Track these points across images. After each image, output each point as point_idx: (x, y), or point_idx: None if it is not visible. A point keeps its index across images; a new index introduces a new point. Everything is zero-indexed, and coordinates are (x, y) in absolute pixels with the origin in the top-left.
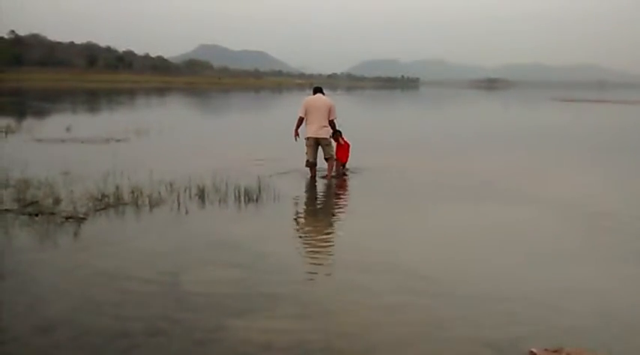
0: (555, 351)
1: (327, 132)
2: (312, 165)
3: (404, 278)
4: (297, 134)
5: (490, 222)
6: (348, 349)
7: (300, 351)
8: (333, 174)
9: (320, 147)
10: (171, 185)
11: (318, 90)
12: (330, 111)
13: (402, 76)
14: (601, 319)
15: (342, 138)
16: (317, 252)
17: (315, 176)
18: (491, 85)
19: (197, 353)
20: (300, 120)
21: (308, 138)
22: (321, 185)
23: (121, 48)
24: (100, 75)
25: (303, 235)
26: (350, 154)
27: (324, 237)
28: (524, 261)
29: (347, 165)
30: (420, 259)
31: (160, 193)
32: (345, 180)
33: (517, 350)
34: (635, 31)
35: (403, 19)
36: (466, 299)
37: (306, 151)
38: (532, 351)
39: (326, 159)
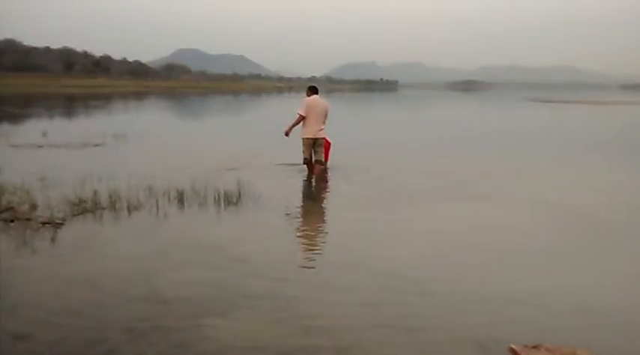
0: (534, 347)
1: (323, 134)
2: (309, 162)
3: (383, 277)
4: (289, 132)
5: (468, 221)
6: (326, 348)
7: (278, 351)
8: (312, 177)
9: (314, 147)
10: (149, 189)
11: (315, 90)
12: (326, 113)
13: (381, 79)
14: (580, 315)
15: (325, 138)
16: (296, 252)
17: (311, 172)
18: (468, 86)
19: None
20: (300, 120)
21: (307, 139)
22: (301, 186)
23: (98, 53)
24: (77, 80)
25: (282, 236)
26: (330, 154)
27: (304, 237)
28: (503, 259)
29: (328, 165)
30: (399, 258)
31: (138, 198)
32: (326, 181)
33: (496, 346)
34: (609, 34)
35: (381, 22)
36: (445, 297)
37: (302, 150)
38: (511, 347)
39: (315, 161)
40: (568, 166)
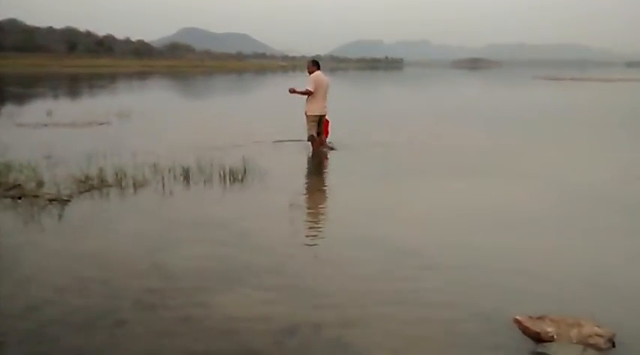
0: (539, 318)
1: (327, 110)
2: (314, 139)
3: (388, 252)
4: (294, 92)
5: (475, 197)
6: (332, 322)
7: (283, 324)
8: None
9: (318, 122)
10: (155, 166)
11: (318, 65)
12: (328, 89)
13: (386, 57)
14: (585, 288)
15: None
16: (302, 228)
17: (316, 149)
18: (474, 64)
19: (184, 328)
20: (308, 94)
21: (315, 116)
22: (305, 162)
23: (101, 32)
24: (80, 60)
25: (287, 213)
26: (330, 130)
27: (309, 213)
28: (510, 233)
29: (329, 141)
30: (405, 234)
31: (143, 175)
32: (330, 157)
33: (502, 317)
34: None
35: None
36: (451, 271)
37: (308, 127)
38: (516, 318)
39: (318, 134)
40: (575, 142)
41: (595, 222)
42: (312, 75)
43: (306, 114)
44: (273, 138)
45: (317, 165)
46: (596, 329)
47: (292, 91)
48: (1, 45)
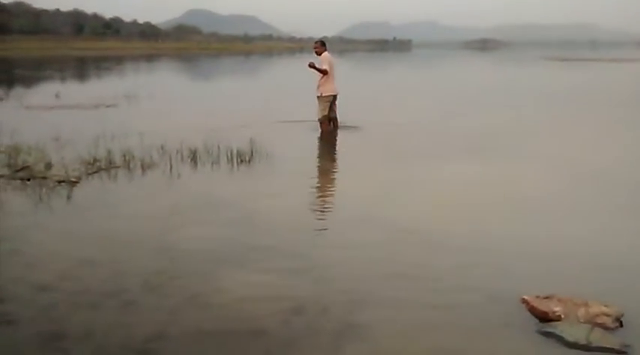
0: (546, 298)
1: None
2: (327, 119)
3: (395, 232)
4: (313, 66)
5: (485, 178)
6: (339, 299)
7: (291, 305)
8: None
9: (332, 103)
10: (162, 148)
11: (325, 45)
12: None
13: (394, 38)
14: (594, 269)
15: None
16: (309, 208)
17: (326, 130)
18: (483, 45)
19: (192, 307)
20: (324, 73)
21: (329, 96)
22: (314, 143)
23: (108, 14)
24: (87, 42)
25: (294, 193)
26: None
27: (316, 194)
28: (518, 214)
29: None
30: (413, 214)
31: (151, 156)
32: (339, 138)
33: (509, 297)
34: None
35: None
36: (458, 251)
37: (321, 108)
38: (524, 298)
39: (334, 118)
40: (587, 124)
41: (605, 203)
42: (324, 55)
43: (321, 95)
44: (281, 119)
45: (326, 147)
46: (604, 309)
47: (312, 66)
48: (8, 28)
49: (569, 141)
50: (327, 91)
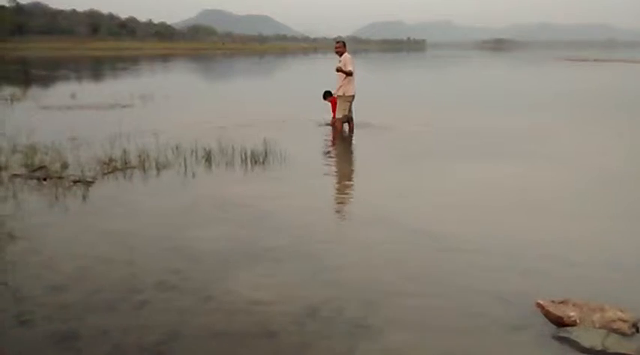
0: (562, 302)
1: None
2: (346, 120)
3: (408, 233)
4: (340, 70)
5: (498, 180)
6: (351, 301)
7: (304, 305)
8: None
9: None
10: (177, 148)
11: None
12: None
13: (408, 38)
14: (609, 272)
15: (333, 98)
16: (323, 209)
17: (340, 130)
18: (498, 46)
19: (207, 308)
20: (349, 74)
21: (351, 96)
22: (328, 144)
23: (124, 15)
24: (103, 42)
25: (308, 194)
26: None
27: (330, 194)
28: (532, 217)
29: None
30: (426, 216)
31: (166, 157)
32: (355, 138)
33: (524, 301)
34: None
35: None
36: (471, 254)
37: (343, 108)
38: (539, 303)
39: (351, 118)
40: (605, 127)
41: (623, 206)
42: (346, 55)
43: (343, 95)
44: (295, 119)
45: (340, 147)
46: (620, 314)
47: (339, 70)
48: (25, 28)
49: (587, 144)
50: (349, 91)
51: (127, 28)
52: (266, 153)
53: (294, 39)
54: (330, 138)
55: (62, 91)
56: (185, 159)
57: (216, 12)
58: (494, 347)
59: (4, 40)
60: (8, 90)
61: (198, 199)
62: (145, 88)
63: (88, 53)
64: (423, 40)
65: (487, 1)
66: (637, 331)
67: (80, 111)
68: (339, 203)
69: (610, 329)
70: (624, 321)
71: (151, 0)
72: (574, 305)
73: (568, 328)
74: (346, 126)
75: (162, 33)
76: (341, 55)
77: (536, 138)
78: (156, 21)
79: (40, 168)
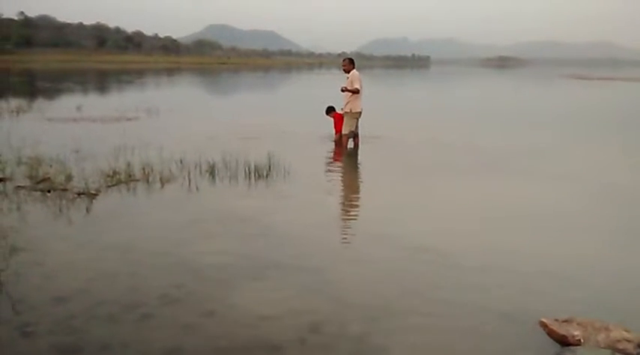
0: (565, 321)
1: None
2: (352, 136)
3: (412, 250)
4: (345, 90)
5: (502, 196)
6: (355, 317)
7: (307, 320)
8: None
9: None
10: (181, 162)
11: (354, 63)
12: None
13: (413, 55)
14: (613, 291)
15: (336, 113)
16: (326, 224)
17: (346, 145)
18: (502, 63)
19: (209, 322)
20: (356, 92)
21: (357, 113)
22: (332, 158)
23: (130, 28)
24: (109, 56)
25: (312, 209)
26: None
27: (334, 209)
28: (536, 234)
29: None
30: (430, 232)
31: (170, 170)
32: (360, 153)
33: (527, 319)
34: None
35: None
36: (476, 271)
37: (350, 124)
38: (542, 321)
39: (356, 134)
40: (609, 144)
41: (627, 223)
42: (353, 73)
43: (350, 111)
44: (300, 133)
45: (345, 162)
46: (625, 334)
47: (345, 90)
48: (32, 40)
49: (591, 160)
50: (356, 108)
51: (133, 42)
52: (270, 167)
53: (299, 54)
54: (334, 153)
55: (68, 104)
56: (189, 173)
57: (222, 27)
58: None
59: (11, 52)
60: (14, 102)
61: (202, 213)
62: (150, 101)
63: (94, 66)
64: (428, 57)
65: (491, 18)
66: None
67: (85, 124)
68: (343, 218)
69: (615, 349)
70: (629, 341)
71: (157, 14)
72: (578, 324)
73: (572, 347)
74: (351, 142)
75: (168, 47)
76: (348, 73)
77: (541, 155)
78: (162, 35)
79: (45, 180)
